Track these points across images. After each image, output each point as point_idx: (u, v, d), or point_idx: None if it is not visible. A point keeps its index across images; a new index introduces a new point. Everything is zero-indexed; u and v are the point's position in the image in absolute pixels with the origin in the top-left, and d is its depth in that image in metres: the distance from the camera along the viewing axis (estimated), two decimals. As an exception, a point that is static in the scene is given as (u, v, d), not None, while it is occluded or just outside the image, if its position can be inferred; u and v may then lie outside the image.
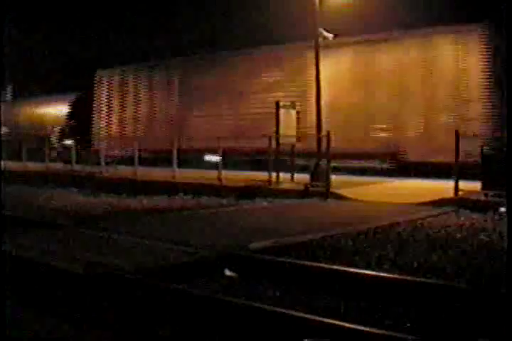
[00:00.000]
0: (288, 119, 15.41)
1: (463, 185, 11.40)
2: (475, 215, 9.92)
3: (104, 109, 25.52)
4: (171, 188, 14.95)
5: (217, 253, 6.51)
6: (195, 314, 4.70)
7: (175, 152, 16.62)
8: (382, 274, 5.64)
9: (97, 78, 25.89)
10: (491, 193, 10.82)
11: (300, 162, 15.70)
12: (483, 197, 10.93)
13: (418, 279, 5.48)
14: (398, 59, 17.30)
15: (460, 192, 11.29)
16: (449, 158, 12.08)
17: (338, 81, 17.97)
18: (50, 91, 31.03)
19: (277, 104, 15.37)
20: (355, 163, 17.51)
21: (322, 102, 14.81)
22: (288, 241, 7.34)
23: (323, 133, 13.91)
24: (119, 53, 32.57)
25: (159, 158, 20.20)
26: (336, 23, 16.95)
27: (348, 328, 4.06)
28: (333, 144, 13.18)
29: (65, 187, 17.38)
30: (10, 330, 4.32)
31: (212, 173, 15.36)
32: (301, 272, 5.88)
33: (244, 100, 20.48)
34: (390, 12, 22.86)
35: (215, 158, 17.21)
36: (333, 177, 13.11)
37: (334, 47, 18.02)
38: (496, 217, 9.59)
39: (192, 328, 4.51)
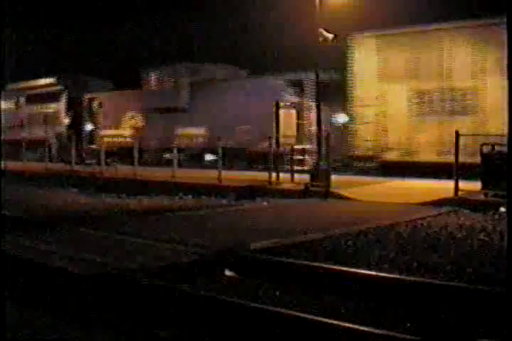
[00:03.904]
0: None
1: (463, 185, 11.40)
2: (475, 215, 9.92)
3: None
4: (171, 188, 14.94)
5: (218, 253, 6.52)
6: (196, 314, 4.70)
7: (175, 152, 16.61)
8: (382, 274, 5.64)
9: None
10: (491, 193, 10.83)
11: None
12: (483, 197, 10.93)
13: (418, 279, 5.49)
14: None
15: (460, 192, 11.28)
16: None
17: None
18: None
19: (277, 104, 15.37)
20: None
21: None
22: (288, 241, 7.35)
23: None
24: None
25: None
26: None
27: (349, 328, 4.06)
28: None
29: (65, 187, 17.38)
30: (10, 331, 4.32)
31: (212, 173, 15.36)
32: (302, 272, 5.88)
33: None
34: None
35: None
36: (333, 177, 13.11)
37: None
38: (496, 217, 9.60)
39: (192, 328, 4.51)
